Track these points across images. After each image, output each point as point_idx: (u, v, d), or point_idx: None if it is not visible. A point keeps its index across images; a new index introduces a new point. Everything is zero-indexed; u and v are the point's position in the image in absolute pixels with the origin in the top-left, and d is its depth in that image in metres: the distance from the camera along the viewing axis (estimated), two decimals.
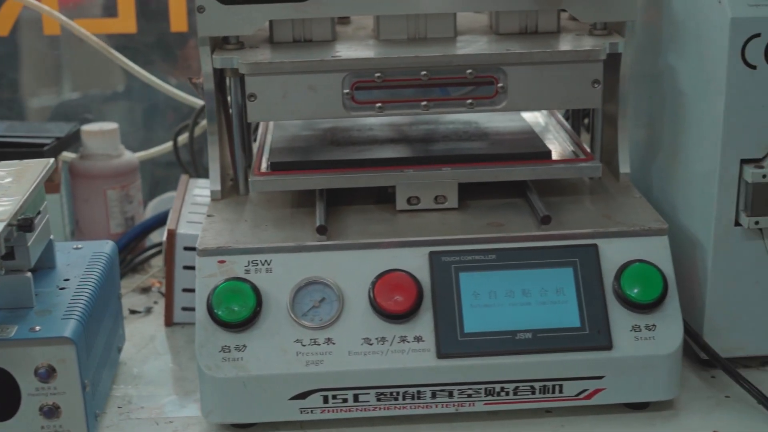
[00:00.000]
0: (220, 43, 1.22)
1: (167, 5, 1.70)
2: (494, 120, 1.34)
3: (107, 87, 1.80)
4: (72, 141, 1.53)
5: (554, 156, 1.23)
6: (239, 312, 1.08)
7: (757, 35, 1.07)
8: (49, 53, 1.73)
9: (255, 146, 1.31)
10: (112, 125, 1.54)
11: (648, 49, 1.29)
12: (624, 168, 1.26)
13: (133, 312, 1.39)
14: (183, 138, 1.63)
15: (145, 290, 1.46)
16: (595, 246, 1.12)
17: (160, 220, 1.50)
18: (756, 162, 1.11)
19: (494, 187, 1.22)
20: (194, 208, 1.39)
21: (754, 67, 1.08)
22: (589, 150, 1.25)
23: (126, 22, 1.69)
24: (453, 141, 1.27)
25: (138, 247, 1.54)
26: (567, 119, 1.39)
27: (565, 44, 1.19)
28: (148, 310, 1.40)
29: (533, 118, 1.38)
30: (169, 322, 1.35)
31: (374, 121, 1.33)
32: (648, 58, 1.29)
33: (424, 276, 1.10)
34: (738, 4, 1.07)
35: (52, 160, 1.17)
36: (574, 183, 1.26)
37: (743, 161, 1.11)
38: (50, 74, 1.78)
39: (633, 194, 1.23)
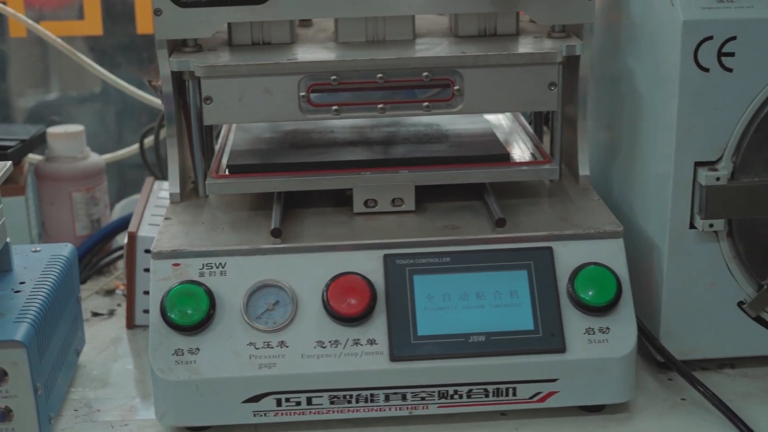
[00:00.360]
0: (179, 46, 1.21)
1: (133, 7, 1.70)
2: (457, 122, 1.34)
3: (80, 89, 1.79)
4: (38, 143, 1.53)
5: (513, 158, 1.23)
6: (192, 315, 1.08)
7: (710, 38, 1.07)
8: (17, 56, 1.73)
9: (217, 148, 1.31)
10: (77, 127, 1.54)
11: (608, 50, 1.29)
12: (583, 170, 1.26)
13: (95, 314, 1.39)
14: (150, 140, 1.63)
15: (109, 292, 1.46)
16: (549, 249, 1.12)
17: (125, 223, 1.50)
18: (710, 165, 1.11)
19: (453, 189, 1.22)
20: (158, 210, 1.39)
21: (707, 70, 1.08)
22: (548, 152, 1.25)
23: (92, 24, 1.69)
24: (413, 143, 1.26)
25: (104, 250, 1.54)
26: (530, 122, 1.39)
27: (522, 47, 1.20)
28: (111, 313, 1.40)
29: (496, 120, 1.39)
30: (130, 324, 1.35)
31: (336, 123, 1.33)
32: (608, 60, 1.29)
33: (378, 279, 1.10)
34: (690, 7, 1.07)
35: (9, 163, 1.17)
36: (533, 185, 1.26)
37: (697, 164, 1.11)
38: (23, 77, 1.78)
39: (591, 197, 1.23)
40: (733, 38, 1.07)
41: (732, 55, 1.07)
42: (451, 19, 1.27)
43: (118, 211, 1.64)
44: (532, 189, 1.25)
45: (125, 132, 1.77)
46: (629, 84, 1.23)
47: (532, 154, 1.25)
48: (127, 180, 1.76)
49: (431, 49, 1.19)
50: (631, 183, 1.25)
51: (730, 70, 1.08)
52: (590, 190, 1.24)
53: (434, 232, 1.14)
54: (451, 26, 1.27)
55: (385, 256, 1.11)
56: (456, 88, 1.16)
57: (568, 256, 1.12)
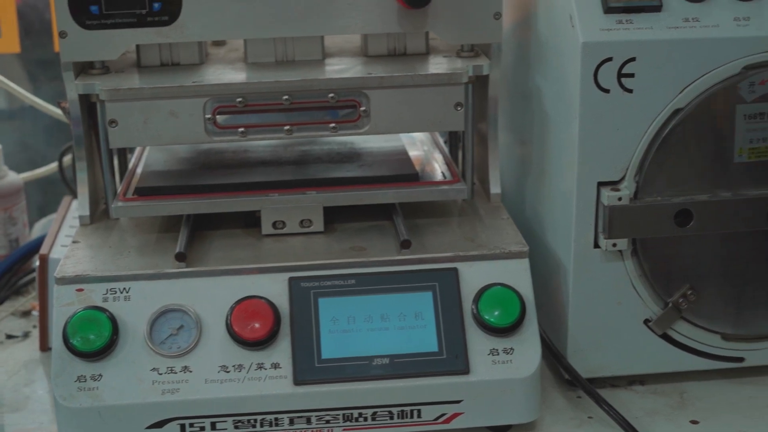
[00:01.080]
0: (86, 68, 1.21)
1: (51, 25, 1.68)
2: (371, 139, 1.34)
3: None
4: None
5: (423, 178, 1.23)
6: (94, 341, 1.07)
7: (609, 59, 1.07)
8: None
9: (129, 168, 1.30)
10: None
11: (520, 67, 1.29)
12: (494, 188, 1.26)
13: (9, 337, 1.38)
14: (70, 158, 1.62)
15: (26, 314, 1.45)
16: (455, 270, 1.12)
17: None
18: (613, 184, 1.12)
19: (363, 209, 1.22)
20: (72, 231, 1.37)
21: (607, 91, 1.08)
22: (459, 171, 1.25)
23: (9, 41, 1.68)
24: (324, 163, 1.26)
25: (22, 269, 1.52)
26: (446, 140, 1.39)
27: (430, 67, 1.20)
28: (26, 335, 1.39)
29: (410, 138, 1.38)
30: (44, 347, 1.34)
31: (250, 143, 1.33)
32: (520, 76, 1.30)
33: (283, 302, 1.10)
34: (589, 29, 1.07)
35: None
36: (445, 204, 1.26)
37: (600, 184, 1.12)
38: None
39: (501, 215, 1.23)
40: (633, 59, 1.08)
41: (632, 76, 1.08)
42: (361, 39, 1.27)
43: (38, 229, 1.63)
44: (442, 208, 1.25)
45: (48, 149, 1.76)
46: (538, 102, 1.24)
47: (443, 173, 1.25)
48: (49, 198, 1.75)
49: (339, 70, 1.19)
50: (541, 200, 1.25)
51: (630, 91, 1.08)
52: (501, 208, 1.25)
53: (340, 254, 1.14)
54: (362, 46, 1.26)
55: (290, 279, 1.11)
56: (362, 109, 1.16)
57: (474, 276, 1.12)
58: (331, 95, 1.16)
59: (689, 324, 1.17)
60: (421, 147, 1.36)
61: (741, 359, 1.20)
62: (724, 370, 1.21)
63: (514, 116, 1.34)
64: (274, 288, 1.11)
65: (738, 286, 1.17)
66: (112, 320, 1.08)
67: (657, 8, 1.08)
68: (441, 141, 1.37)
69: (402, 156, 1.29)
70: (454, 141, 1.38)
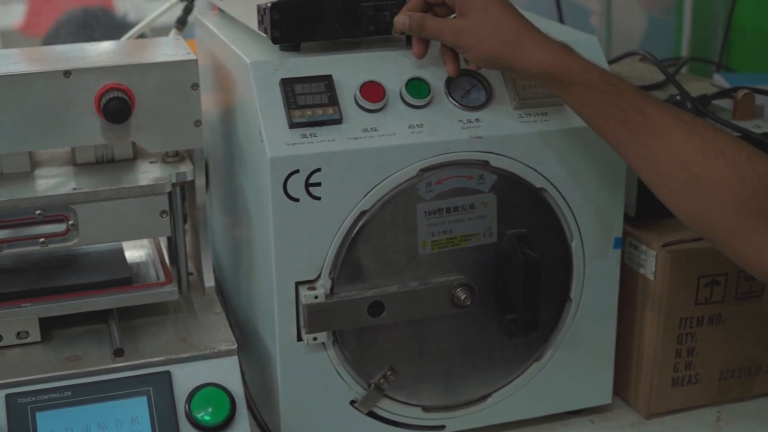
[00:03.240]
0: None
1: None
2: None
3: None
4: None
5: (138, 279, 1.29)
6: None
7: (297, 171, 1.16)
8: None
9: None
10: None
11: (229, 162, 1.36)
12: (208, 282, 1.33)
13: None
14: None
15: None
16: (167, 373, 1.19)
17: None
18: (310, 283, 1.20)
19: (80, 314, 1.27)
20: None
21: (297, 200, 1.17)
22: (173, 271, 1.31)
23: None
24: (41, 269, 1.30)
25: None
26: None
27: (134, 176, 1.25)
28: None
29: None
30: None
31: None
32: (231, 171, 1.36)
33: (1, 419, 1.14)
34: (276, 144, 1.15)
35: None
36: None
37: (298, 283, 1.20)
38: None
39: (214, 309, 1.30)
40: (318, 170, 1.16)
41: (319, 184, 1.17)
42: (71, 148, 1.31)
43: None
44: (158, 306, 1.31)
45: None
46: (243, 199, 1.31)
47: (157, 272, 1.31)
48: None
49: (47, 184, 1.23)
50: (251, 292, 1.33)
51: (318, 198, 1.17)
52: (214, 301, 1.32)
53: (57, 366, 1.19)
54: (71, 154, 1.31)
55: (7, 396, 1.15)
56: (71, 222, 1.21)
57: (186, 378, 1.19)
58: (38, 212, 1.20)
59: (392, 400, 1.28)
60: (136, 244, 1.41)
61: (442, 427, 1.32)
62: None
63: (230, 199, 1.41)
64: None
65: (433, 362, 1.27)
66: None
67: (338, 121, 1.17)
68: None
69: (118, 258, 1.34)
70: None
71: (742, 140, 1.07)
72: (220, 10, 1.47)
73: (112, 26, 2.12)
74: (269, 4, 1.18)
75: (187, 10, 1.58)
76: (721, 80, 1.61)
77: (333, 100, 1.18)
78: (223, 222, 1.49)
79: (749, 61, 1.89)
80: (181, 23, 1.59)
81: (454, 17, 1.17)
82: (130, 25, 1.84)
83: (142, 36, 1.68)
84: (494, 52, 1.13)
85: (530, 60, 1.11)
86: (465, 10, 1.14)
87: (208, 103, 1.37)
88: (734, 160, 1.03)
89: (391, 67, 1.21)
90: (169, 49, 1.30)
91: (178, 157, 1.30)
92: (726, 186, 1.03)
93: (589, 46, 1.28)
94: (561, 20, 1.85)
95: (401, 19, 1.18)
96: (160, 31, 1.65)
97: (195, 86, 1.24)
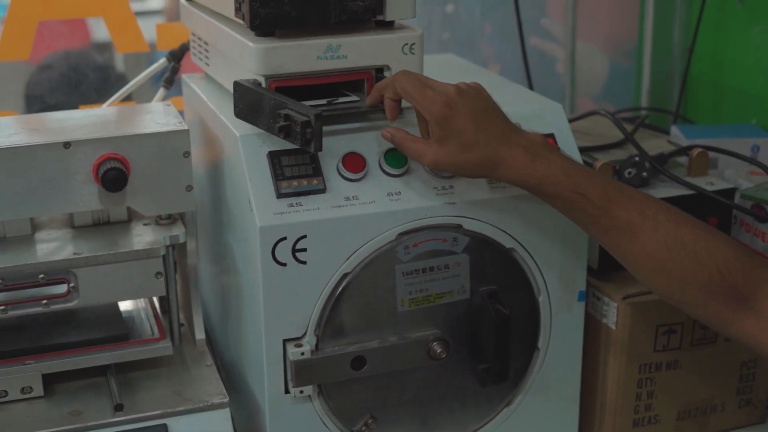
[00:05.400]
0: None
1: None
2: None
3: None
4: None
5: (133, 335, 1.37)
6: None
7: (284, 238, 1.25)
8: None
9: None
10: None
11: (218, 220, 1.45)
12: (199, 334, 1.42)
13: None
14: None
15: None
16: (164, 425, 1.27)
17: None
18: (296, 340, 1.29)
19: (81, 369, 1.35)
20: None
21: (284, 264, 1.26)
22: (166, 326, 1.40)
23: None
24: (41, 325, 1.38)
25: None
26: None
27: (130, 240, 1.33)
28: None
29: None
30: None
31: None
32: (219, 229, 1.45)
33: None
34: (264, 214, 1.24)
35: None
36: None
37: (285, 341, 1.29)
38: None
39: (206, 362, 1.39)
40: (304, 236, 1.25)
41: (304, 250, 1.26)
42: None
43: None
44: (152, 360, 1.39)
45: None
46: (231, 258, 1.40)
47: (151, 327, 1.40)
48: None
49: (48, 249, 1.31)
50: (241, 345, 1.42)
51: (304, 263, 1.26)
52: (205, 353, 1.41)
53: (60, 421, 1.27)
54: (69, 218, 1.39)
55: None
56: (71, 285, 1.29)
57: (182, 430, 1.28)
58: (41, 276, 1.28)
59: None
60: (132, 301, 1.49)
61: None
62: None
63: (218, 253, 1.49)
64: None
65: (411, 409, 1.37)
66: None
67: (322, 191, 1.26)
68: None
69: (114, 313, 1.42)
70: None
71: (701, 226, 1.21)
72: (206, 74, 1.56)
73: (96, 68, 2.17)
74: None
75: (174, 71, 1.67)
76: (678, 134, 1.71)
77: (317, 171, 1.27)
78: (211, 271, 1.58)
79: (704, 112, 2.00)
80: (168, 83, 1.67)
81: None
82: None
83: (129, 97, 1.75)
84: (471, 173, 1.24)
85: (505, 177, 1.23)
86: (440, 139, 1.22)
87: (195, 156, 1.44)
88: (694, 250, 1.18)
89: (370, 139, 1.30)
90: (161, 118, 1.38)
91: (170, 219, 1.38)
92: (687, 272, 1.19)
93: (555, 114, 1.39)
94: (527, 70, 1.94)
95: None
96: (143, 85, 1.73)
97: (186, 154, 1.33)
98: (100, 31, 1.84)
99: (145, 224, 1.38)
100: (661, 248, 1.19)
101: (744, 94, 1.90)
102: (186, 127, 1.33)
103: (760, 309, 1.17)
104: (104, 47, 1.88)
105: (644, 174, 1.48)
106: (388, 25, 1.32)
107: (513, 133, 1.23)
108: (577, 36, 2.08)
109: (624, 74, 2.15)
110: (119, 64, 1.95)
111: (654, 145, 1.60)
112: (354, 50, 1.28)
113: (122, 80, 1.82)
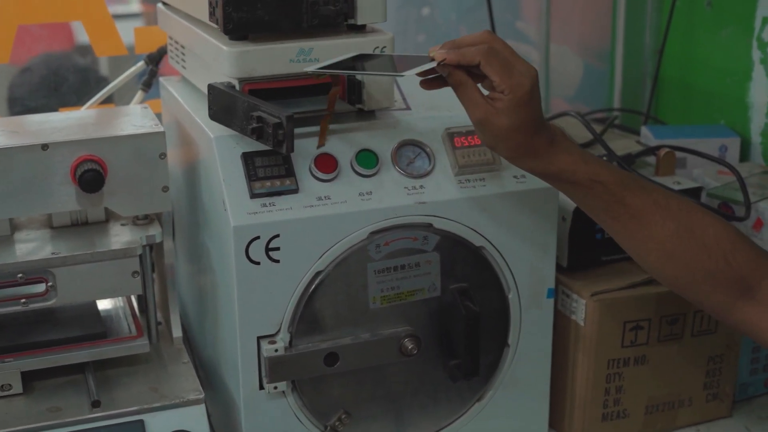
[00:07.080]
0: None
1: None
2: None
3: None
4: None
5: (111, 333, 1.40)
6: None
7: (257, 237, 1.27)
8: None
9: None
10: None
11: (194, 219, 1.48)
12: (176, 332, 1.45)
13: None
14: None
15: None
16: (141, 421, 1.30)
17: None
18: (270, 337, 1.32)
19: (59, 366, 1.37)
20: None
21: (258, 263, 1.28)
22: (143, 324, 1.42)
23: None
24: (21, 324, 1.40)
25: None
26: None
27: (108, 238, 1.36)
28: None
29: None
30: None
31: None
32: (195, 229, 1.47)
33: None
34: (238, 214, 1.27)
35: None
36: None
37: (260, 337, 1.32)
38: None
39: (182, 359, 1.42)
40: (277, 236, 1.28)
41: (278, 249, 1.28)
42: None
43: None
44: (131, 356, 1.42)
45: None
46: (207, 258, 1.43)
47: (129, 326, 1.42)
48: None
49: (26, 249, 1.34)
50: (217, 342, 1.44)
51: (277, 261, 1.29)
52: (182, 351, 1.43)
53: (39, 417, 1.30)
54: (48, 218, 1.41)
55: None
56: (50, 284, 1.32)
57: (158, 425, 1.30)
58: (20, 275, 1.31)
59: None
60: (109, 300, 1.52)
61: None
62: None
63: (194, 252, 1.52)
64: None
65: (384, 404, 1.40)
66: None
67: (295, 191, 1.29)
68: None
69: (92, 311, 1.45)
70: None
71: (710, 216, 1.24)
72: (183, 77, 1.58)
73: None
74: None
75: (152, 74, 1.69)
76: (648, 134, 1.75)
77: (290, 172, 1.30)
78: (188, 270, 1.61)
79: (675, 112, 2.03)
80: (146, 86, 1.70)
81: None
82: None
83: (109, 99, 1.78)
84: (502, 152, 1.23)
85: (526, 166, 1.24)
86: (506, 110, 1.17)
87: (172, 157, 1.47)
88: (702, 239, 1.22)
89: (342, 140, 1.33)
90: (138, 120, 1.41)
91: (147, 219, 1.41)
92: (695, 260, 1.23)
93: None
94: None
95: (446, 57, 1.18)
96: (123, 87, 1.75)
97: (163, 155, 1.35)
98: (83, 34, 1.86)
99: (122, 224, 1.41)
100: (671, 236, 1.22)
101: (713, 96, 1.94)
102: (162, 129, 1.36)
103: (765, 298, 1.21)
104: (88, 50, 1.90)
105: None
106: (360, 29, 1.35)
107: (544, 122, 1.23)
108: (551, 38, 2.11)
109: (597, 76, 2.18)
110: (103, 68, 1.97)
111: (623, 145, 1.64)
112: (326, 53, 1.31)
113: (103, 83, 1.84)
